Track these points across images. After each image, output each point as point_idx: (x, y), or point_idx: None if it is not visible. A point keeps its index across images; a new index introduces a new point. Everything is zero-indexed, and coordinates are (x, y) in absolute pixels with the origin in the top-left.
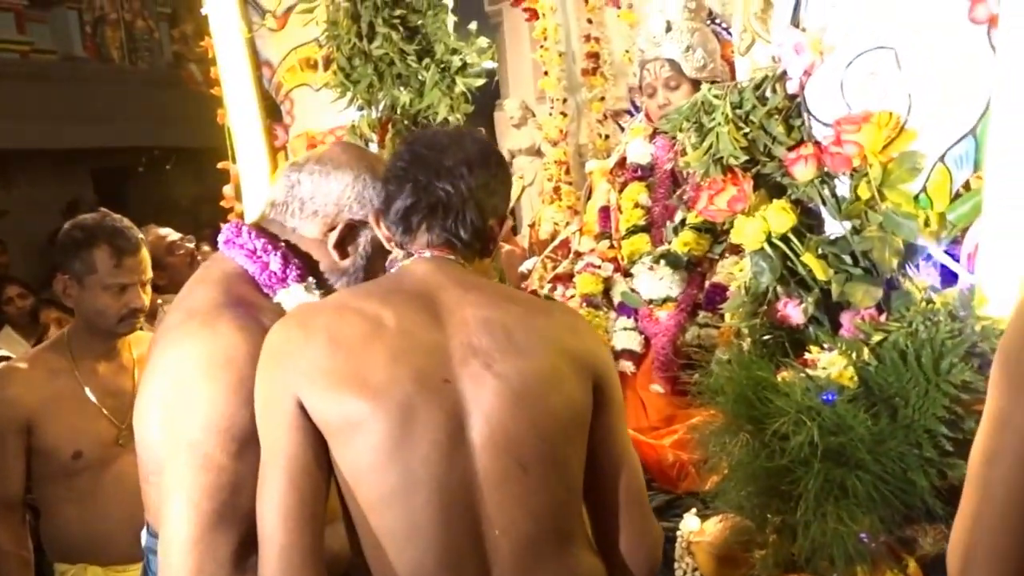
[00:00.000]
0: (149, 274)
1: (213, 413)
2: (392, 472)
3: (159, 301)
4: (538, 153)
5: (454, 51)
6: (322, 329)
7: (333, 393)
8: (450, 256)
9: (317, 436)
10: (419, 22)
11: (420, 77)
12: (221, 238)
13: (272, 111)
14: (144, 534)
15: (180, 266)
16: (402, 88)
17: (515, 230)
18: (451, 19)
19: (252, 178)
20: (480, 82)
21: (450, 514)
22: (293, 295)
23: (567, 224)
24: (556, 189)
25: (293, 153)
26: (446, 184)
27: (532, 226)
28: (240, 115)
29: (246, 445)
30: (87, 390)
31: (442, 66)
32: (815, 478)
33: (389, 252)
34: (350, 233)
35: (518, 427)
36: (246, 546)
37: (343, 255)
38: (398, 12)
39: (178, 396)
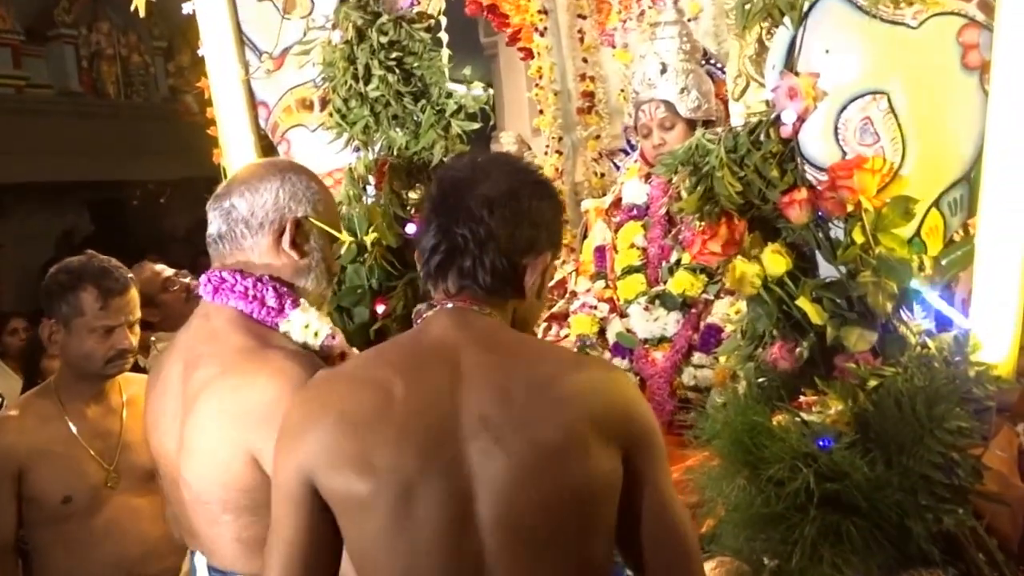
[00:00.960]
0: (137, 314)
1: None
2: (398, 554)
3: (152, 338)
4: None
5: (449, 94)
6: (335, 406)
7: (340, 473)
8: (473, 307)
9: (326, 515)
10: (415, 65)
11: (416, 119)
12: (207, 290)
13: (268, 151)
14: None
15: (175, 303)
16: (398, 130)
17: None
18: (446, 60)
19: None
20: (475, 125)
21: None
22: (295, 321)
23: (563, 262)
24: None
25: None
26: (464, 229)
27: None
28: (236, 155)
29: None
30: (76, 434)
31: (438, 108)
32: (811, 524)
33: (338, 244)
34: (299, 230)
35: (529, 506)
36: None
37: (301, 253)
38: (394, 55)
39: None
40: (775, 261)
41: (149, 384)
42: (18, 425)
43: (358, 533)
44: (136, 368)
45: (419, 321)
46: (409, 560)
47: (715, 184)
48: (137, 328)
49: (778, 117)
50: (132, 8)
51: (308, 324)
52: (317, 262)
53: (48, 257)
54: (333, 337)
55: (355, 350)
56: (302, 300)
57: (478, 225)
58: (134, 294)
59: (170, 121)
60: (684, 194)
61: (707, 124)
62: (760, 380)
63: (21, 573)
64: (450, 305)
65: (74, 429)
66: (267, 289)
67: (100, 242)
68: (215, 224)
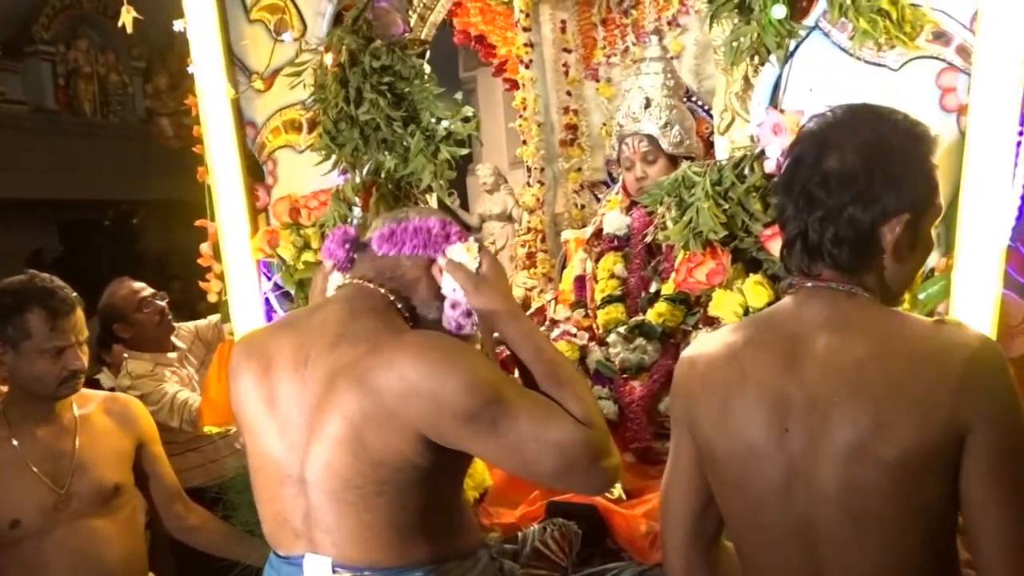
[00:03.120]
0: (85, 333)
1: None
2: (746, 500)
3: (125, 355)
4: (509, 219)
5: (439, 120)
6: (706, 375)
7: (704, 430)
8: (831, 283)
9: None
10: (406, 89)
11: (405, 143)
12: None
13: (254, 171)
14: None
15: (148, 323)
16: (387, 153)
17: None
18: (436, 88)
19: (232, 237)
20: (464, 151)
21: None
22: (457, 251)
23: (540, 291)
24: (530, 255)
25: (275, 215)
26: (804, 213)
27: None
28: (222, 174)
29: None
30: (24, 456)
31: (427, 133)
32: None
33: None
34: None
35: (850, 484)
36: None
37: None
38: (386, 79)
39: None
40: (757, 292)
41: (243, 384)
42: None
43: (718, 479)
44: (95, 385)
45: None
46: (750, 508)
47: (700, 215)
48: (86, 347)
49: (762, 152)
50: (120, 24)
51: (470, 248)
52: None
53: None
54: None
55: None
56: (470, 237)
57: (818, 205)
58: (80, 314)
59: (146, 143)
60: (669, 224)
61: (687, 160)
62: None
63: None
64: (809, 284)
65: (22, 451)
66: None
67: (70, 263)
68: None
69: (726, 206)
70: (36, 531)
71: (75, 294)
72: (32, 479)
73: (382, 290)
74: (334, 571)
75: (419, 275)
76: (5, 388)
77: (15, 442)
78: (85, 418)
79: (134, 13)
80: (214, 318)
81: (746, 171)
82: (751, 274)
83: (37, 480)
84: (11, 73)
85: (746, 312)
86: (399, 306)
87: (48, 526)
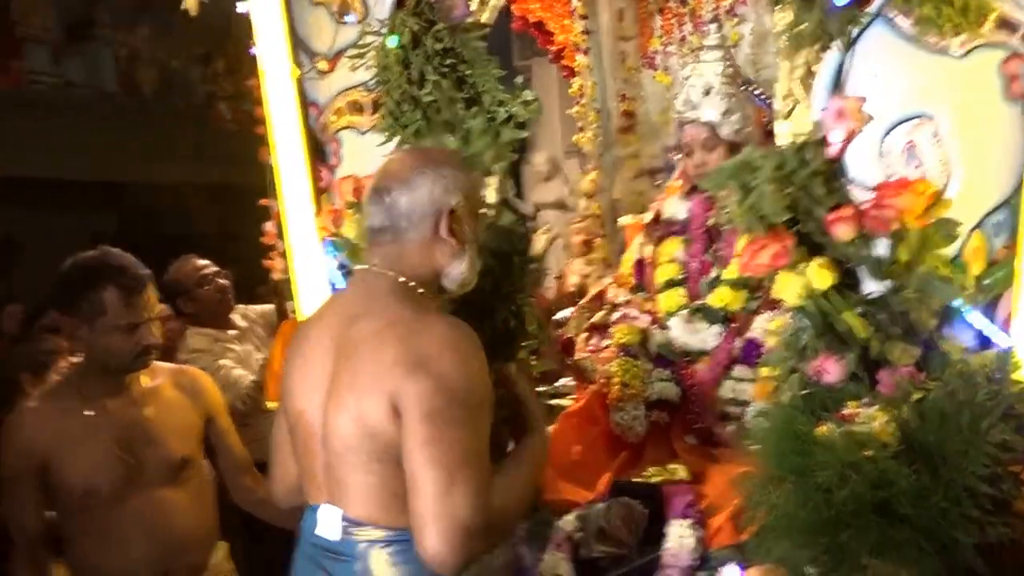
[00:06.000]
0: (158, 308)
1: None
2: None
3: (189, 330)
4: (564, 207)
5: (500, 102)
6: None
7: None
8: None
9: None
10: (468, 72)
11: (466, 125)
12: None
13: (317, 151)
14: (337, 527)
15: (210, 299)
16: (449, 135)
17: (540, 282)
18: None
19: (296, 216)
20: (525, 134)
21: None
22: None
23: (597, 276)
24: (587, 242)
25: (339, 195)
26: None
27: (558, 278)
28: (286, 154)
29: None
30: (98, 428)
31: (489, 116)
32: (858, 532)
33: (483, 216)
34: (453, 217)
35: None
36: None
37: (457, 239)
38: (449, 61)
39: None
40: (821, 275)
41: (291, 353)
42: (37, 418)
43: None
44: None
45: None
46: None
47: (762, 200)
48: (159, 322)
49: (825, 137)
50: (182, 7)
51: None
52: (470, 243)
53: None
54: None
55: None
56: None
57: None
58: (152, 290)
59: (204, 126)
60: (732, 208)
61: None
62: (804, 391)
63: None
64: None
65: (96, 423)
66: None
67: (129, 244)
68: (377, 217)
69: (789, 190)
70: (109, 500)
71: (147, 271)
72: (105, 450)
73: (389, 273)
74: (343, 521)
75: (424, 253)
76: (74, 360)
77: (87, 412)
78: (154, 390)
79: None
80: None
81: (808, 156)
82: (814, 257)
83: (110, 451)
84: (74, 57)
85: (809, 295)
86: (411, 285)
87: (121, 495)
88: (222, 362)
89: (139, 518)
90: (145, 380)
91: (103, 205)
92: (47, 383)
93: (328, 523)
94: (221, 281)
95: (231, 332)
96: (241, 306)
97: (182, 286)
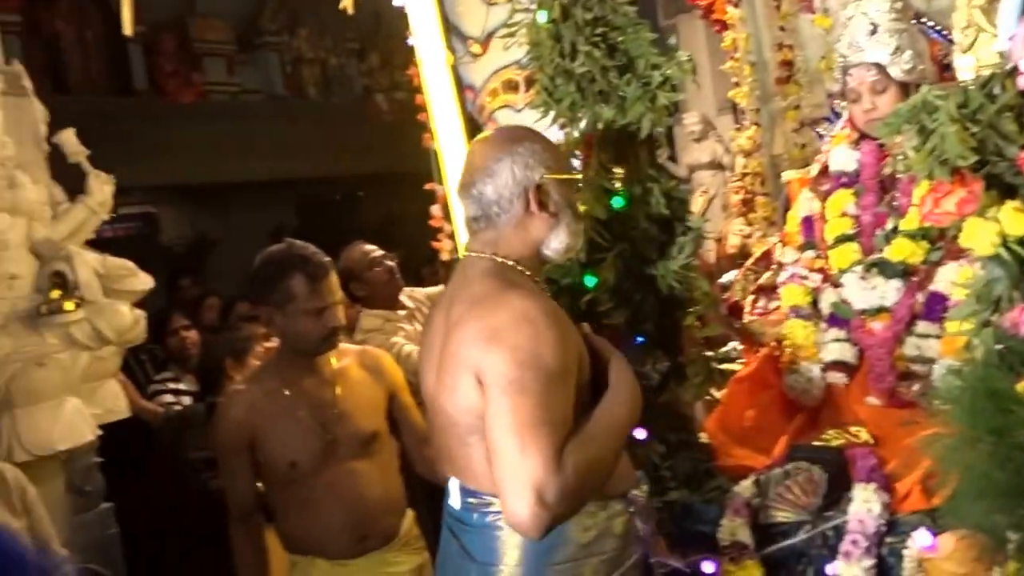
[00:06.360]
0: (340, 294)
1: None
2: None
3: (362, 312)
4: (719, 167)
5: (655, 66)
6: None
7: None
8: None
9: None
10: (620, 39)
11: (621, 93)
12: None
13: (476, 133)
14: (458, 497)
15: (379, 280)
16: (604, 104)
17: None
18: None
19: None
20: (681, 96)
21: None
22: None
23: (760, 236)
24: (746, 201)
25: None
26: None
27: (719, 240)
28: (447, 138)
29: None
30: (296, 406)
31: (644, 81)
32: None
33: (577, 184)
34: (541, 192)
35: None
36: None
37: (549, 212)
38: (600, 30)
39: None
40: (1016, 219)
41: (421, 340)
42: (245, 399)
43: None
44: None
45: None
46: None
47: (944, 142)
48: (342, 307)
49: (1015, 68)
50: (340, 6)
51: None
52: (563, 210)
53: (263, 249)
54: None
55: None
56: None
57: None
58: (335, 276)
59: (363, 119)
60: (909, 154)
61: (918, 87)
62: (1000, 346)
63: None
64: None
65: (295, 402)
66: None
67: (306, 236)
68: (470, 208)
69: (975, 129)
70: (309, 472)
71: (328, 259)
72: (304, 426)
73: (484, 255)
74: (460, 492)
75: (520, 231)
76: (268, 345)
77: (286, 392)
78: (343, 370)
79: None
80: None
81: (995, 90)
82: (1007, 200)
83: (308, 426)
84: (244, 65)
85: (1003, 242)
86: (508, 263)
87: (319, 468)
88: (395, 339)
89: (335, 488)
90: (334, 361)
91: (282, 201)
92: (248, 367)
93: (453, 494)
94: (388, 263)
95: (400, 312)
96: (407, 288)
97: (353, 272)
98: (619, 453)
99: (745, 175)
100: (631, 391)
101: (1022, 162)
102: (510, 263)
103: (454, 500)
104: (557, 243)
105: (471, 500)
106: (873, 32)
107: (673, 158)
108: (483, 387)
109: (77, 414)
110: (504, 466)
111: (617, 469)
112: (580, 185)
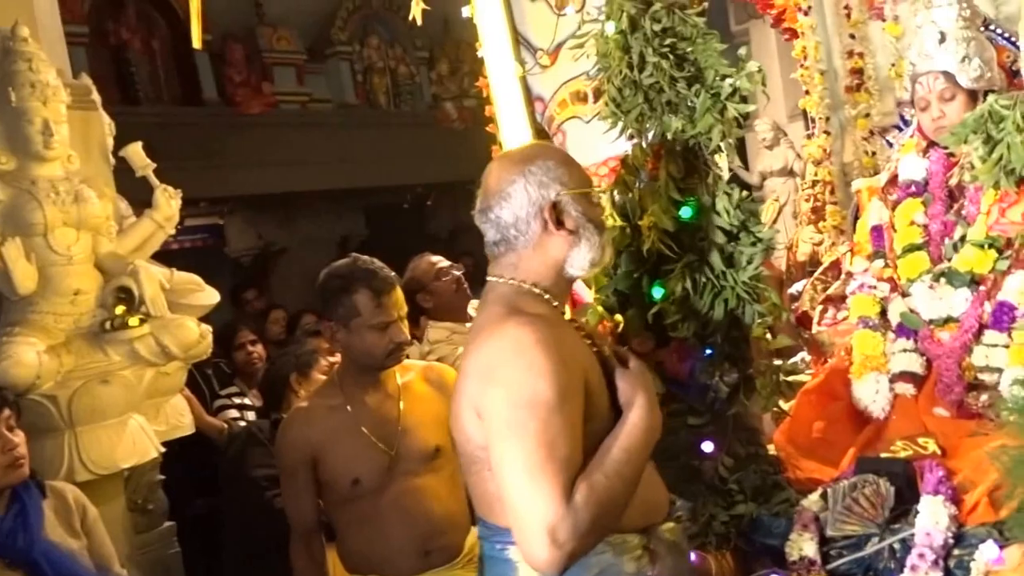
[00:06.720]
0: (405, 309)
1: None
2: None
3: (429, 324)
4: (791, 174)
5: (724, 77)
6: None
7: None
8: None
9: None
10: (688, 49)
11: (690, 104)
12: None
13: None
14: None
15: (446, 291)
16: (673, 115)
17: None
18: (719, 44)
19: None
20: (752, 107)
21: None
22: None
23: (831, 244)
24: (816, 210)
25: None
26: None
27: (789, 248)
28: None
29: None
30: (360, 422)
31: (713, 92)
32: None
33: (596, 196)
34: (555, 209)
35: None
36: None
37: (568, 229)
38: (668, 41)
39: (493, 382)
40: None
41: None
42: (308, 416)
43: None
44: None
45: None
46: None
47: (1011, 151)
48: (407, 322)
49: None
50: (410, 17)
51: None
52: (583, 226)
53: (330, 259)
54: None
55: None
56: None
57: None
58: (399, 291)
59: (433, 127)
60: (976, 163)
61: (989, 94)
62: None
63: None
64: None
65: (357, 419)
66: None
67: (374, 244)
68: (489, 233)
69: None
70: (374, 488)
71: (393, 274)
72: (367, 442)
73: (500, 281)
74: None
75: (540, 252)
76: (333, 360)
77: (349, 408)
78: (407, 386)
79: (423, 5)
80: None
81: None
82: None
83: (371, 443)
84: (315, 75)
85: None
86: (524, 287)
87: (383, 484)
88: (460, 351)
89: (399, 504)
90: (398, 376)
91: (349, 210)
92: (313, 382)
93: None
94: (456, 273)
95: (468, 324)
96: (475, 300)
97: (419, 283)
98: (635, 483)
99: (815, 183)
100: (647, 417)
101: None
102: (527, 286)
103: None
104: (581, 260)
105: (485, 530)
106: (942, 40)
107: (745, 165)
108: (483, 422)
109: (140, 431)
110: (514, 510)
111: (636, 499)
112: (601, 197)
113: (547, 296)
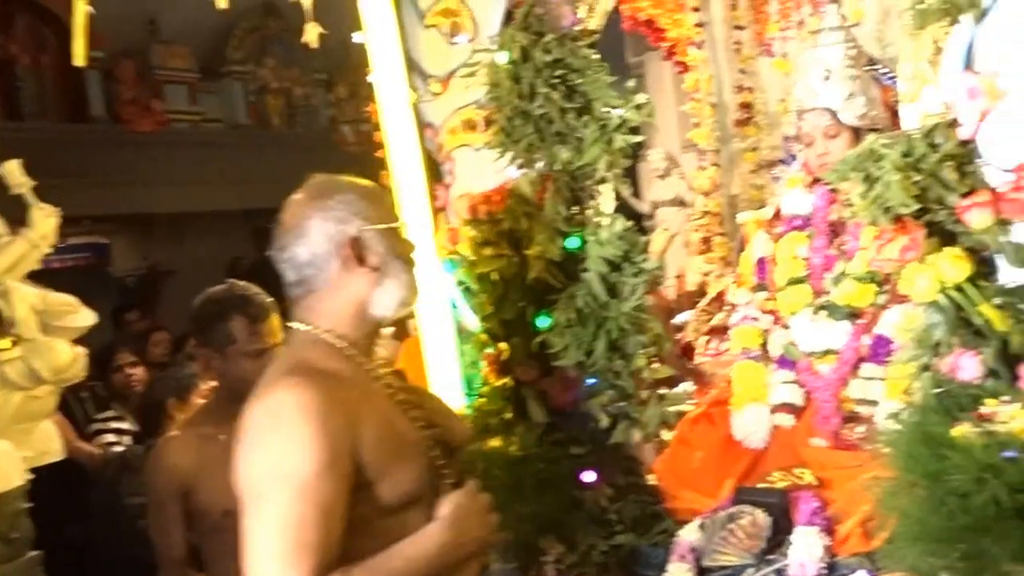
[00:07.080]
0: (281, 336)
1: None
2: None
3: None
4: (682, 204)
5: (612, 108)
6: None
7: None
8: None
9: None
10: (578, 80)
11: (579, 135)
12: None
13: (434, 172)
14: None
15: None
16: (561, 145)
17: (659, 281)
18: (608, 77)
19: (415, 236)
20: (639, 138)
21: None
22: None
23: (717, 275)
24: (706, 240)
25: (455, 213)
26: None
27: (679, 277)
28: (404, 176)
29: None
30: (231, 453)
31: (601, 123)
32: (1000, 538)
33: (402, 232)
34: (358, 245)
35: None
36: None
37: (371, 266)
38: (559, 72)
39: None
40: (955, 266)
41: None
42: (179, 446)
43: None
44: None
45: None
46: None
47: (889, 189)
48: None
49: (955, 119)
50: (303, 40)
51: None
52: (389, 263)
53: (219, 282)
54: None
55: None
56: None
57: None
58: (276, 318)
59: (329, 150)
60: (856, 200)
61: (872, 132)
62: (938, 390)
63: None
64: None
65: (230, 447)
66: None
67: (265, 267)
68: (288, 274)
69: (918, 178)
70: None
71: (270, 299)
72: None
73: (296, 328)
74: None
75: (340, 292)
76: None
77: (222, 438)
78: None
79: (319, 28)
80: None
81: (938, 140)
82: (946, 247)
83: None
84: (208, 94)
85: (942, 288)
86: (315, 335)
87: None
88: None
89: None
90: None
91: (240, 232)
92: (191, 407)
93: None
94: None
95: None
96: None
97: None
98: None
99: (705, 214)
100: (444, 534)
101: (962, 210)
102: (322, 335)
103: None
104: (387, 299)
105: None
106: (827, 78)
107: (637, 194)
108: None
109: (6, 457)
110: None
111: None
112: (405, 234)
113: (342, 345)
